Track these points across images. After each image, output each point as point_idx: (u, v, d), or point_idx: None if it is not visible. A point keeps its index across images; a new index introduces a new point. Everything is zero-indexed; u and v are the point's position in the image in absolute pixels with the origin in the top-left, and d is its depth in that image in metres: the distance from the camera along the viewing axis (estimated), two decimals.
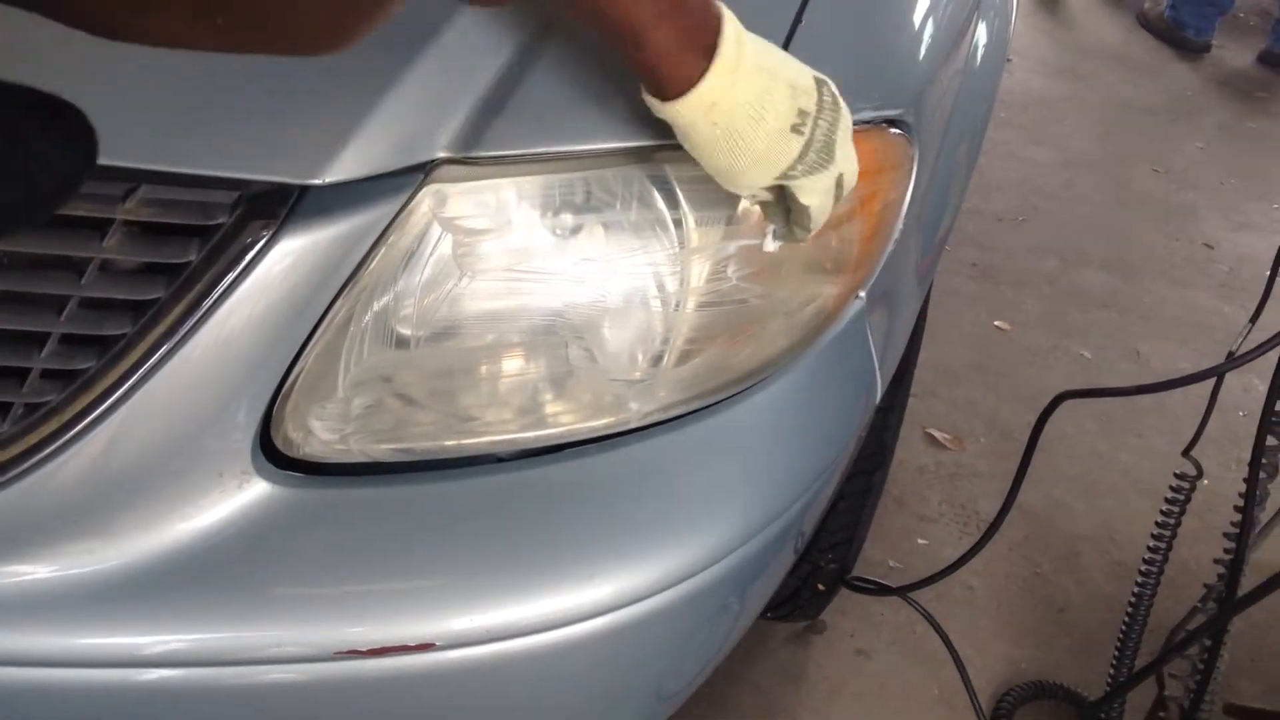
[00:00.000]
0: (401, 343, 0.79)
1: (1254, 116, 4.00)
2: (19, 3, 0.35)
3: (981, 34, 1.19)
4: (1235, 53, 4.49)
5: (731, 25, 0.72)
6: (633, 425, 0.86)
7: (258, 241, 0.71)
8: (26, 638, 0.74)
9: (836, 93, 0.77)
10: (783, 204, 0.80)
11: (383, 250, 0.75)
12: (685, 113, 0.72)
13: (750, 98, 0.72)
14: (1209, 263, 2.99)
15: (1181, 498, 1.35)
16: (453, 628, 0.78)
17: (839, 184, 0.79)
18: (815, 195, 0.77)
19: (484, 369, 0.82)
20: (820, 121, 0.75)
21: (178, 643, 0.75)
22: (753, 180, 0.75)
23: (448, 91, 0.75)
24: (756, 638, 1.68)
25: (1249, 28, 4.69)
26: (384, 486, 0.81)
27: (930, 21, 1.03)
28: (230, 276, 0.71)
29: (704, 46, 0.70)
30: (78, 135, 0.46)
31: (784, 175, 0.75)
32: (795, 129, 0.74)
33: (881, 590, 1.74)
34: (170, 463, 0.75)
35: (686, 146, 0.75)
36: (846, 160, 0.78)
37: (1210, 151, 3.66)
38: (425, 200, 0.76)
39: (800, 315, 0.91)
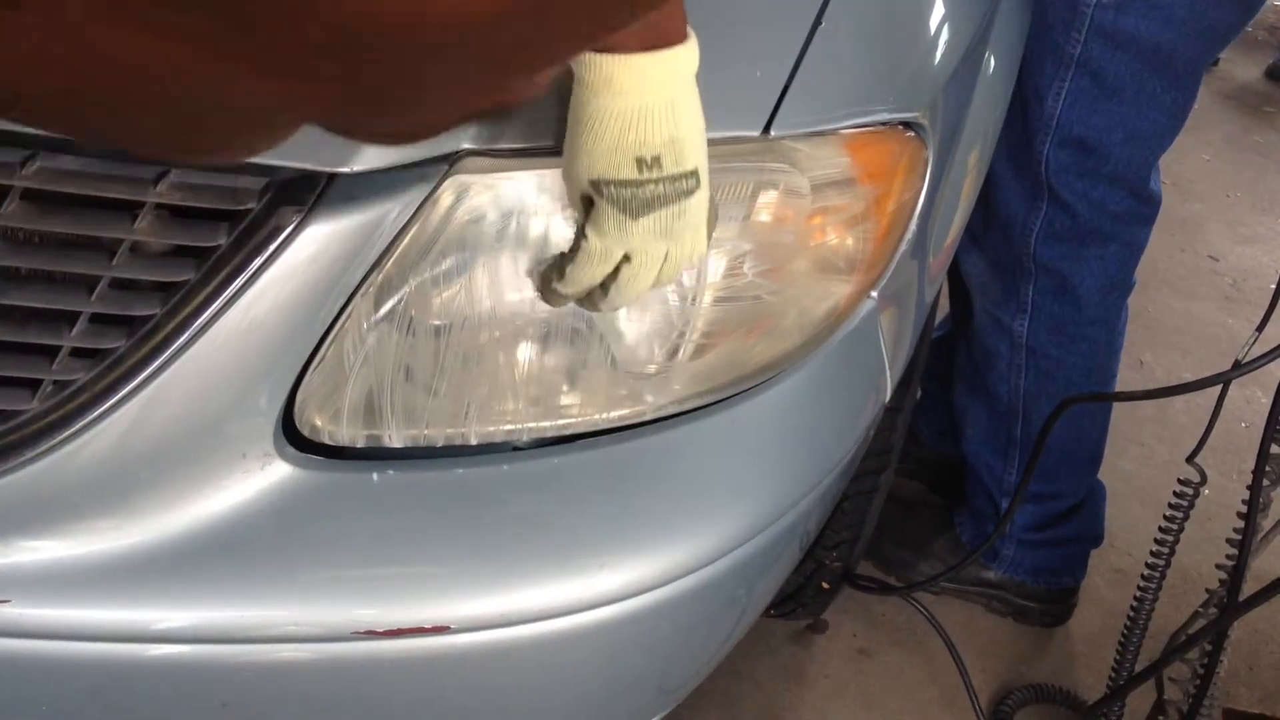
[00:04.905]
0: (422, 331, 0.80)
1: (1261, 130, 4.02)
2: None
3: (996, 39, 1.21)
4: (1243, 67, 4.50)
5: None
6: (647, 417, 0.87)
7: (285, 227, 0.72)
8: (50, 611, 0.75)
9: (703, 180, 0.75)
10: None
11: (406, 239, 0.77)
12: (640, 64, 0.70)
13: (664, 98, 0.71)
14: (1213, 275, 3.00)
15: (1185, 503, 1.36)
16: (468, 611, 0.80)
17: (654, 262, 0.76)
18: (603, 230, 0.74)
19: (501, 359, 0.83)
20: (664, 186, 0.73)
21: (196, 619, 0.77)
22: (584, 167, 0.73)
23: None
24: (759, 636, 1.69)
25: (1257, 42, 4.70)
26: (403, 471, 0.82)
27: (947, 26, 1.04)
28: (258, 261, 0.73)
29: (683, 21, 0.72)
30: None
31: (604, 184, 0.73)
32: (640, 162, 0.72)
33: (885, 589, 1.75)
34: (194, 443, 0.76)
35: (577, 108, 0.72)
36: (650, 244, 0.75)
37: (1217, 164, 3.67)
38: (449, 190, 0.78)
39: (813, 313, 0.93)
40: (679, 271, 0.79)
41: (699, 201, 0.75)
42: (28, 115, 0.33)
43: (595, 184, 0.73)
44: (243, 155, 0.37)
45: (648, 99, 0.71)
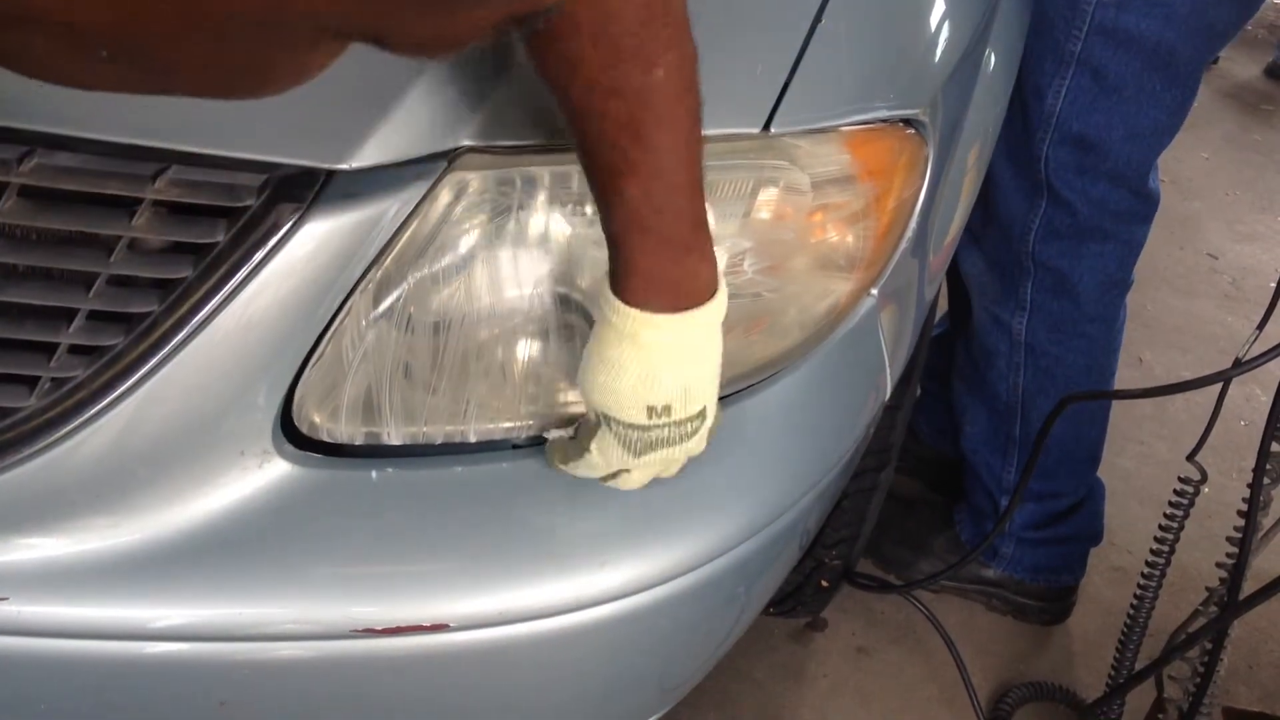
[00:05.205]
0: (421, 328, 0.80)
1: (1259, 129, 4.02)
2: None
3: (996, 37, 1.20)
4: (1242, 65, 4.50)
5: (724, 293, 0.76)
6: None
7: (284, 224, 0.72)
8: (48, 609, 0.75)
9: (710, 410, 0.79)
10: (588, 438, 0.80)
11: (405, 235, 0.77)
12: (664, 324, 0.73)
13: (680, 351, 0.74)
14: (1212, 273, 3.00)
15: (1185, 501, 1.36)
16: (467, 609, 0.79)
17: (616, 474, 0.81)
18: (606, 454, 0.78)
19: (501, 355, 0.83)
20: (670, 431, 0.77)
21: (195, 617, 0.77)
22: (604, 406, 0.76)
23: (474, 80, 0.76)
24: (758, 634, 1.69)
25: (1256, 41, 4.70)
26: (401, 469, 0.82)
27: (947, 24, 1.04)
28: (256, 258, 0.73)
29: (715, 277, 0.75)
30: None
31: (613, 421, 0.77)
32: (650, 410, 0.76)
33: (884, 587, 1.75)
34: (192, 440, 0.76)
35: (598, 345, 0.75)
36: (649, 467, 0.80)
37: (1216, 163, 3.67)
38: (448, 187, 0.77)
39: (813, 311, 0.93)
40: (676, 471, 0.82)
41: (702, 433, 0.79)
42: (77, 41, 0.33)
43: (605, 418, 0.76)
44: (284, 85, 0.38)
45: (668, 356, 0.74)
